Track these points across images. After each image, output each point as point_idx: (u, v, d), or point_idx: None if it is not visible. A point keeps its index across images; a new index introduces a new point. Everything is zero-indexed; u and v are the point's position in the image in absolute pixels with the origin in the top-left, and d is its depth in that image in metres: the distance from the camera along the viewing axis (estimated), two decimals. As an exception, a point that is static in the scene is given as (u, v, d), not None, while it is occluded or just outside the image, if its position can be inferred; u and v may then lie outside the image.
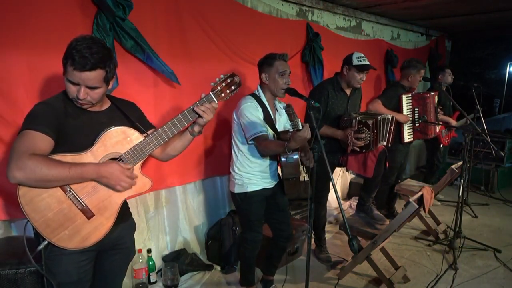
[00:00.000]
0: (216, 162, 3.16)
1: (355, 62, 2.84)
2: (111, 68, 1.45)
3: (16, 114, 1.97)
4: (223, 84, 1.66)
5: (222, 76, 1.67)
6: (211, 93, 1.63)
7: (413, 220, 3.64)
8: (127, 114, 1.64)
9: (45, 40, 2.06)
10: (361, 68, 2.84)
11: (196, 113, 1.60)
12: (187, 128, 1.70)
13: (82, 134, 1.48)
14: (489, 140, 3.71)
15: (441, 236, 3.64)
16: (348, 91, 3.00)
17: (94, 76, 1.39)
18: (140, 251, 2.67)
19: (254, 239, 2.46)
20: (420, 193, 2.78)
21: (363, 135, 2.77)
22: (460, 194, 3.20)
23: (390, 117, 2.98)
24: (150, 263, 2.72)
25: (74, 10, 2.17)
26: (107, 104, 1.61)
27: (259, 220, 2.43)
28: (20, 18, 1.98)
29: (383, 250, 2.94)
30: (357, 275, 2.98)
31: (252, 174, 2.35)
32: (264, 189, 2.38)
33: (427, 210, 2.95)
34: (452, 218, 3.43)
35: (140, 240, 2.79)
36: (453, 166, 3.27)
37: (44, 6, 2.05)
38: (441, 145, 4.43)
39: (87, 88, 1.41)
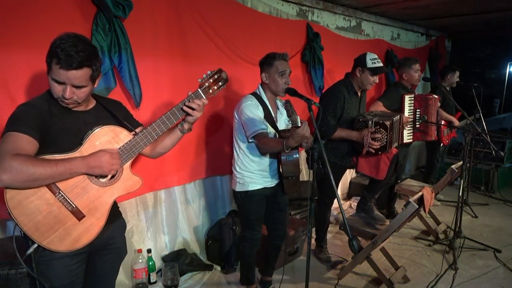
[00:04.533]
0: (216, 161, 3.16)
1: (370, 64, 2.76)
2: (97, 66, 1.42)
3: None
4: (211, 80, 1.63)
5: (209, 72, 1.64)
6: (199, 89, 1.61)
7: (413, 220, 3.64)
8: (114, 113, 1.61)
9: (45, 40, 2.05)
10: (376, 71, 2.77)
11: (190, 107, 1.57)
12: (177, 125, 1.68)
13: (68, 135, 1.46)
14: (489, 140, 3.71)
15: (441, 236, 3.64)
16: (359, 93, 2.97)
17: (80, 74, 1.36)
18: (140, 251, 2.67)
19: (252, 237, 2.47)
20: (420, 193, 2.78)
21: (380, 136, 2.73)
22: (460, 194, 3.20)
23: (399, 117, 2.96)
24: (150, 263, 2.72)
25: (74, 10, 2.17)
26: (92, 104, 1.58)
27: (258, 219, 2.44)
28: (20, 18, 1.98)
29: (383, 250, 2.94)
30: (357, 275, 2.98)
31: (253, 173, 2.36)
32: (265, 188, 2.39)
33: (427, 210, 2.95)
34: (452, 218, 3.43)
35: (140, 240, 2.79)
36: (453, 166, 3.26)
37: (44, 6, 2.05)
38: (441, 145, 4.43)
39: (73, 87, 1.38)
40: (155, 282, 2.75)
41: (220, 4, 2.96)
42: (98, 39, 2.22)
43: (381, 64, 2.81)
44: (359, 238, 3.03)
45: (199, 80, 1.63)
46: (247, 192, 2.36)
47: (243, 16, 3.17)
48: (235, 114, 2.34)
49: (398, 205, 4.21)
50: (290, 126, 2.09)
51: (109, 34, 2.25)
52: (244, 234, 2.50)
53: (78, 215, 1.46)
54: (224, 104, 3.12)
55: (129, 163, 1.56)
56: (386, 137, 2.75)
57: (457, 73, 4.43)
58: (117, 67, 2.33)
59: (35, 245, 1.41)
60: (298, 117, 2.07)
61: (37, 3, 2.02)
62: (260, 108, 2.28)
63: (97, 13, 2.21)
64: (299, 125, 1.94)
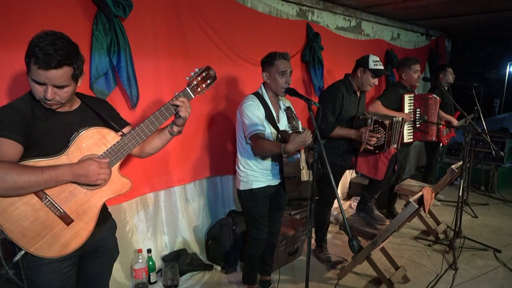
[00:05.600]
0: (216, 161, 3.16)
1: (372, 65, 2.78)
2: (78, 64, 1.36)
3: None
4: (199, 78, 1.60)
5: (197, 70, 1.61)
6: (187, 88, 1.58)
7: (413, 220, 3.64)
8: (99, 112, 1.56)
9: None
10: (378, 73, 2.79)
11: (175, 105, 1.53)
12: (166, 126, 1.65)
13: (53, 137, 1.40)
14: (489, 140, 3.71)
15: (441, 236, 3.64)
16: (358, 93, 2.98)
17: (61, 74, 1.30)
18: (140, 251, 2.67)
19: (258, 237, 2.47)
20: (420, 193, 2.77)
21: (379, 135, 2.75)
22: (460, 194, 3.20)
23: (401, 119, 2.98)
24: (150, 263, 2.72)
25: (75, 9, 2.17)
26: (77, 103, 1.53)
27: (263, 218, 2.44)
28: (20, 18, 1.98)
29: (383, 250, 2.94)
30: (357, 275, 2.98)
31: (257, 171, 2.37)
32: (268, 186, 2.40)
33: (427, 210, 2.95)
34: (452, 218, 3.43)
35: (140, 240, 2.79)
36: (453, 166, 3.26)
37: (45, 6, 2.05)
38: (441, 145, 4.43)
39: (55, 87, 1.32)
40: (155, 282, 2.75)
41: (220, 4, 2.96)
42: (98, 38, 2.22)
43: (382, 67, 2.83)
44: (359, 238, 3.02)
45: (187, 78, 1.60)
46: (251, 190, 2.37)
47: (243, 16, 3.17)
48: (238, 114, 2.35)
49: (398, 205, 4.21)
50: (289, 130, 2.10)
51: (109, 34, 2.25)
52: (250, 234, 2.49)
53: (66, 220, 1.42)
54: (224, 104, 3.12)
55: (117, 165, 1.51)
56: (384, 135, 2.76)
57: (449, 70, 4.42)
58: (115, 67, 2.32)
59: (22, 252, 1.38)
60: (300, 122, 2.07)
61: (37, 2, 2.02)
62: (261, 108, 2.29)
63: (97, 13, 2.21)
64: (301, 131, 1.93)
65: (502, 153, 4.84)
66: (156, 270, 2.79)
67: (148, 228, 2.83)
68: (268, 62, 2.30)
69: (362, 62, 2.85)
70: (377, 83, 2.88)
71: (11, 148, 1.30)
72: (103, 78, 2.29)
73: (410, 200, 2.53)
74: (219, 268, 3.03)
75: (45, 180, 1.31)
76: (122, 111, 1.76)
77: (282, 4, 3.63)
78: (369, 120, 2.75)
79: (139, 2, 2.38)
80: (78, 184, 1.42)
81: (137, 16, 2.39)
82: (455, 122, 4.31)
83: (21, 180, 1.26)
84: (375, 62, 2.80)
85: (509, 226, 4.00)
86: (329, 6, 4.13)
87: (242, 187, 2.40)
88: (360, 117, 2.85)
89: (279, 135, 2.30)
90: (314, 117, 1.95)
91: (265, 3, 3.41)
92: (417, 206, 2.49)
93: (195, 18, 2.80)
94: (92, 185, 1.44)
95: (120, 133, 1.54)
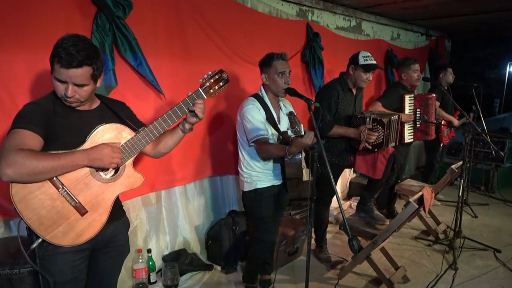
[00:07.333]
0: (216, 162, 3.16)
1: (362, 61, 2.82)
2: (98, 65, 1.46)
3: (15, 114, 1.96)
4: (212, 81, 1.68)
5: (210, 72, 1.69)
6: (200, 89, 1.66)
7: (413, 220, 3.64)
8: (117, 112, 1.65)
9: (45, 40, 2.05)
10: (368, 68, 2.82)
11: (193, 111, 1.63)
12: (178, 125, 1.73)
13: (72, 133, 1.50)
14: (489, 140, 3.71)
15: (441, 236, 3.64)
16: (354, 91, 3.00)
17: (81, 73, 1.40)
18: (140, 251, 2.67)
19: (265, 239, 2.44)
20: (420, 193, 2.78)
21: (377, 133, 2.77)
22: (460, 194, 3.20)
23: (397, 117, 2.99)
24: (150, 263, 2.72)
25: (74, 10, 2.17)
26: (96, 103, 1.63)
27: (270, 218, 2.42)
28: (20, 18, 1.98)
29: (383, 250, 2.94)
30: (357, 275, 2.98)
31: (259, 172, 2.37)
32: (272, 186, 2.40)
33: (427, 210, 2.95)
34: (452, 218, 3.43)
35: (140, 240, 2.79)
36: (453, 166, 3.26)
37: (44, 6, 2.05)
38: (441, 144, 4.43)
39: (75, 85, 1.42)
40: (155, 282, 2.75)
41: (220, 4, 2.96)
42: (98, 39, 2.22)
43: (373, 62, 2.85)
44: (359, 238, 3.02)
45: (200, 80, 1.67)
46: (256, 190, 2.37)
47: (243, 16, 3.17)
48: (238, 117, 2.35)
49: (398, 205, 4.21)
50: (292, 135, 2.12)
51: (109, 34, 2.25)
52: (257, 237, 2.47)
53: (81, 210, 1.49)
54: (224, 104, 3.12)
55: (131, 160, 1.60)
56: (383, 134, 2.78)
57: (449, 70, 4.43)
58: (134, 64, 2.39)
59: (40, 240, 1.45)
60: (302, 125, 2.10)
61: (36, 3, 2.02)
62: (262, 111, 2.29)
63: (97, 13, 2.21)
64: (303, 133, 1.96)
65: (502, 153, 4.84)
66: (156, 270, 2.79)
67: (150, 228, 2.83)
68: (266, 63, 2.30)
69: (353, 60, 2.90)
70: (371, 78, 2.90)
71: (32, 139, 1.39)
72: (103, 77, 2.29)
73: (410, 200, 2.53)
74: (219, 268, 3.03)
75: (62, 165, 1.39)
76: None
77: (282, 4, 3.63)
78: (368, 119, 2.78)
79: (139, 2, 2.38)
80: (94, 171, 1.50)
81: (137, 16, 2.39)
82: (455, 122, 4.31)
83: (39, 165, 1.34)
84: (365, 58, 2.83)
85: (509, 226, 4.00)
86: (329, 6, 4.13)
87: (246, 188, 2.40)
88: (359, 116, 2.87)
89: (280, 136, 2.31)
90: (313, 117, 1.95)
91: (265, 3, 3.41)
92: (417, 206, 2.49)
93: (195, 18, 2.80)
94: (105, 168, 1.52)
95: (136, 131, 1.62)
